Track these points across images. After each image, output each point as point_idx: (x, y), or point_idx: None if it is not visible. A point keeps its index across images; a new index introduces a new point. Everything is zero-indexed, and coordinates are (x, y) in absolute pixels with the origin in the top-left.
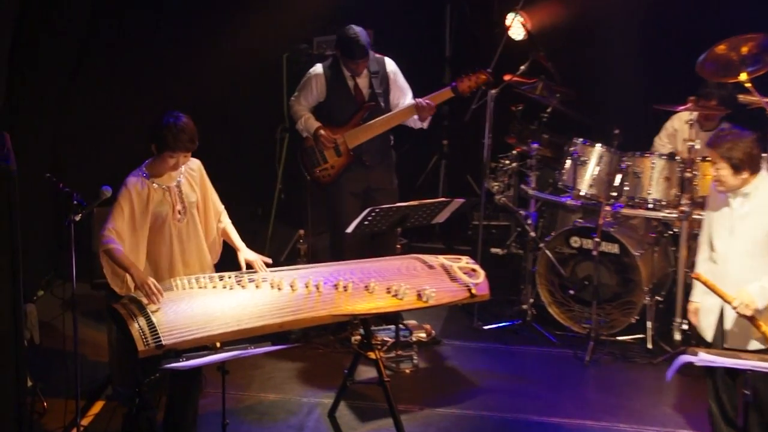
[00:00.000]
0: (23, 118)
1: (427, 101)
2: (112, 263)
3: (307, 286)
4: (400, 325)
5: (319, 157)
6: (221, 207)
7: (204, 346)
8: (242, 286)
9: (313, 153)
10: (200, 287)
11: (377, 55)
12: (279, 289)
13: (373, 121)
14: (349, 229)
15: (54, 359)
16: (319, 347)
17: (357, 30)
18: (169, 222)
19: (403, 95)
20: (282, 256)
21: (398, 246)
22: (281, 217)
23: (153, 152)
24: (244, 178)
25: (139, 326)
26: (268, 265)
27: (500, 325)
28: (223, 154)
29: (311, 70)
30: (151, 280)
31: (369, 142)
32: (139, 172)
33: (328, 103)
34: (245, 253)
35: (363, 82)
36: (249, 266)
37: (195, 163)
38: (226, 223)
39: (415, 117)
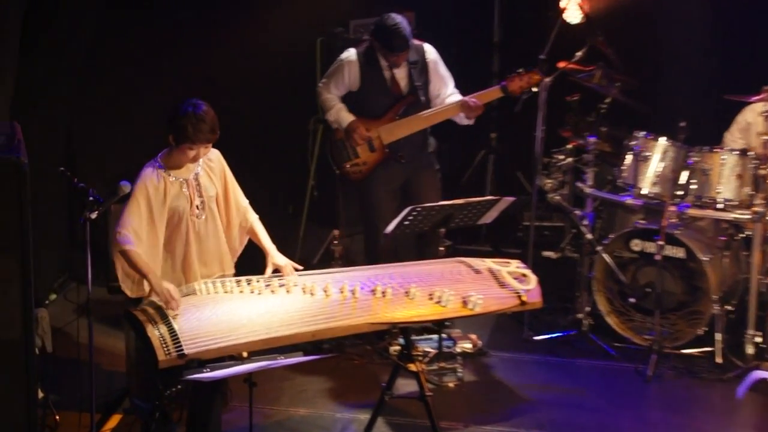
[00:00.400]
0: (35, 106)
1: (474, 100)
2: (127, 266)
3: (342, 292)
4: (444, 335)
5: (350, 151)
6: (245, 202)
7: (230, 355)
8: (272, 291)
9: (343, 146)
10: (226, 292)
11: (416, 42)
12: (312, 294)
13: (412, 116)
14: (388, 230)
15: (67, 369)
16: (355, 358)
17: (398, 19)
18: (186, 218)
19: (444, 85)
20: (315, 258)
21: (442, 249)
22: (314, 217)
23: (171, 143)
24: (274, 174)
25: (160, 333)
26: (298, 271)
27: (553, 335)
28: (251, 147)
29: (343, 55)
30: (169, 288)
31: (406, 138)
32: (154, 163)
33: (361, 93)
34: (274, 257)
35: (401, 72)
36: (276, 272)
37: (214, 154)
38: (253, 220)
39: (461, 114)
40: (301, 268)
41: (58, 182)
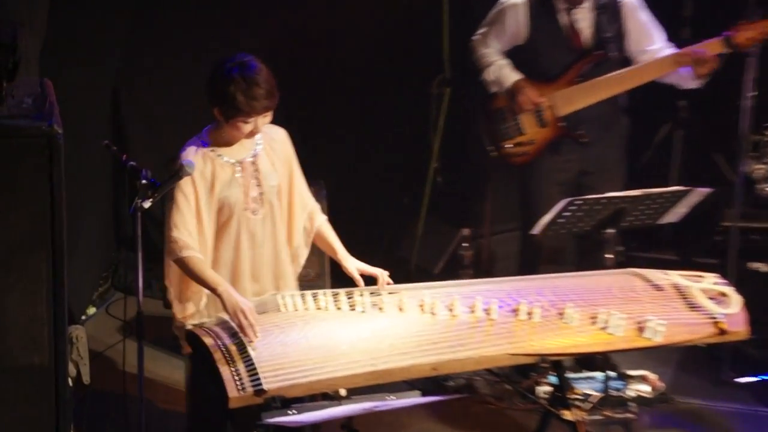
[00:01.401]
0: (72, 62)
1: (702, 50)
2: (185, 276)
3: (473, 311)
4: (611, 373)
5: (512, 125)
6: (313, 201)
7: (323, 393)
8: (379, 309)
9: (502, 118)
10: (319, 308)
11: None
12: (432, 313)
13: (598, 79)
14: (536, 230)
15: (109, 405)
16: (490, 401)
17: None
18: (238, 214)
19: (647, 37)
20: (437, 265)
21: (610, 256)
22: (437, 210)
23: (217, 118)
24: (384, 154)
25: (231, 363)
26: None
27: (764, 377)
28: (353, 119)
29: None
30: (244, 307)
31: (589, 109)
32: (198, 140)
33: (530, 48)
34: (350, 262)
35: (583, 19)
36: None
37: (279, 134)
38: (322, 221)
39: (683, 72)
40: (389, 281)
41: (100, 159)
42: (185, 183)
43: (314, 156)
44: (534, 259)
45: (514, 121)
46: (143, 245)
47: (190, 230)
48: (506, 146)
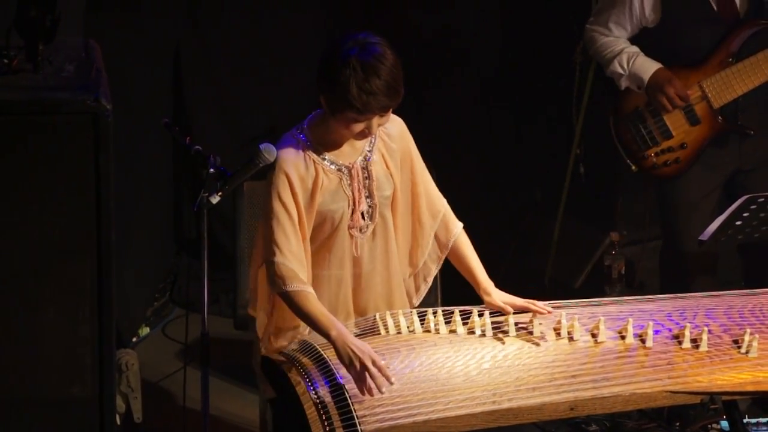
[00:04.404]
0: (123, 19)
1: None
2: (289, 309)
3: (622, 337)
4: None
5: (655, 130)
6: (444, 203)
7: None
8: (503, 333)
9: (641, 122)
10: (427, 331)
11: None
12: (571, 339)
13: (759, 55)
14: (705, 235)
15: None
16: None
17: None
18: (342, 231)
19: None
20: (577, 279)
21: None
22: (577, 209)
23: (324, 108)
24: (510, 138)
25: (318, 397)
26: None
27: None
28: (470, 93)
29: None
30: (368, 354)
31: (751, 95)
32: (297, 134)
33: (664, 28)
34: (496, 296)
35: None
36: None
37: (395, 127)
38: (457, 233)
39: None
40: (548, 310)
41: (159, 142)
42: (284, 191)
43: (421, 141)
44: (677, 271)
45: (656, 123)
46: (209, 250)
47: (296, 253)
48: (648, 157)
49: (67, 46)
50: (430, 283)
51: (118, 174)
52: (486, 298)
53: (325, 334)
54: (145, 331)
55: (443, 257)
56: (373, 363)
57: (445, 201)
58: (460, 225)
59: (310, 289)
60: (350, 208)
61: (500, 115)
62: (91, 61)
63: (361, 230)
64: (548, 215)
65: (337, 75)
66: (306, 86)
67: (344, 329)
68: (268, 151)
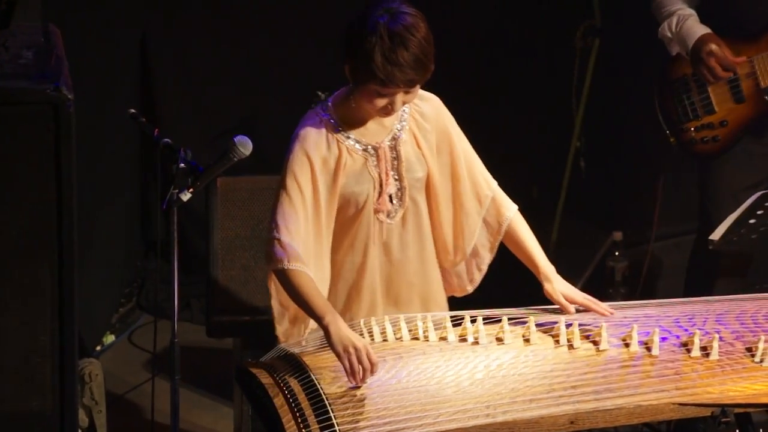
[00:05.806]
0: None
1: None
2: (286, 297)
3: (626, 344)
4: None
5: (698, 102)
6: (494, 184)
7: None
8: (498, 340)
9: (685, 92)
10: (414, 338)
11: None
12: (570, 347)
13: None
14: (715, 235)
15: None
16: None
17: None
18: (367, 216)
19: None
20: (579, 280)
21: None
22: (577, 205)
23: (348, 78)
24: (506, 128)
25: (297, 410)
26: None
27: None
28: (465, 80)
29: None
30: (364, 344)
31: None
32: (321, 112)
33: None
34: (558, 283)
35: None
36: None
37: (430, 104)
38: (510, 217)
39: None
40: (606, 311)
41: (124, 135)
42: (301, 172)
43: None
44: (709, 272)
45: (700, 95)
46: (180, 251)
47: (302, 234)
48: (688, 131)
49: (24, 31)
50: (484, 272)
51: (81, 169)
52: (546, 285)
53: (318, 319)
54: (110, 338)
55: (497, 244)
56: (359, 358)
57: (495, 183)
58: (514, 207)
59: (310, 272)
60: (376, 190)
61: (492, 104)
62: (50, 48)
63: (388, 215)
64: (546, 214)
65: (362, 42)
66: (285, 75)
67: (339, 318)
68: (243, 144)
